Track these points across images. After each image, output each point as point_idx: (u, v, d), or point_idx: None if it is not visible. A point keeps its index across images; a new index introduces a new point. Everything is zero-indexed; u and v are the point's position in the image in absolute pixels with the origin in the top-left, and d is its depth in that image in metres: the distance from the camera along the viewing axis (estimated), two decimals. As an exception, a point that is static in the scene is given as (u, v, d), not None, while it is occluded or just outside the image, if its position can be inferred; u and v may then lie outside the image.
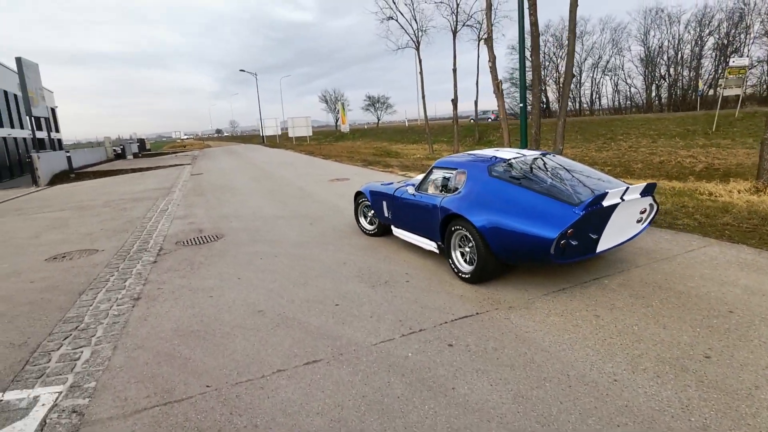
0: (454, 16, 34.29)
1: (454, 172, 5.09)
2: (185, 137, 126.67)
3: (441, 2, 35.54)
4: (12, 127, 31.87)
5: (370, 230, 6.76)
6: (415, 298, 4.51)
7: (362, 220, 6.96)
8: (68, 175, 23.20)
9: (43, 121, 41.70)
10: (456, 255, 4.79)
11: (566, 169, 4.84)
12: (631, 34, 56.67)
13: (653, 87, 53.45)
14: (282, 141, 52.80)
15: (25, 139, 34.31)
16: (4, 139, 29.72)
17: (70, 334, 4.24)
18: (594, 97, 58.49)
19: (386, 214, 6.11)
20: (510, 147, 18.19)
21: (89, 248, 7.59)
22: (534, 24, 12.22)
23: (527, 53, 12.63)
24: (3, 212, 13.16)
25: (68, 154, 23.20)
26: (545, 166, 4.90)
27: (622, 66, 56.17)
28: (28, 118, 24.53)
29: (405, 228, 5.76)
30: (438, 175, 5.35)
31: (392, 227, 6.12)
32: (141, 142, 49.74)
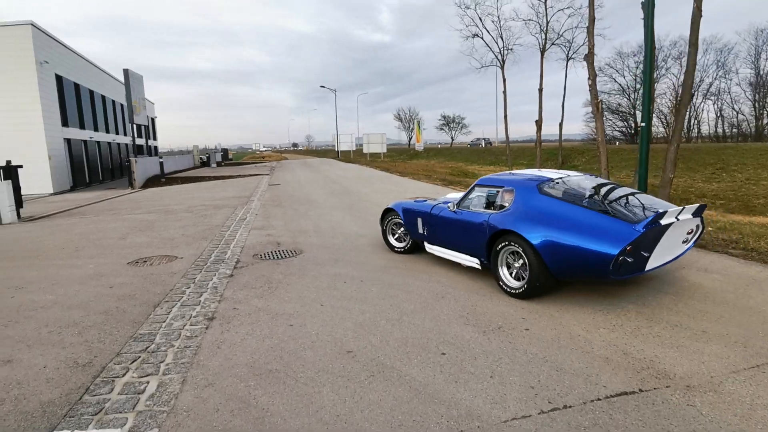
0: (542, 35, 32.78)
1: (499, 189, 5.15)
2: (263, 149, 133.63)
3: (530, 20, 34.16)
4: (116, 133, 34.85)
5: (399, 247, 6.71)
6: (543, 355, 3.51)
7: (390, 237, 6.93)
8: (159, 179, 24.61)
9: (143, 128, 45.51)
10: (503, 271, 4.79)
11: (612, 190, 5.07)
12: (739, 56, 51.31)
13: (765, 113, 47.72)
14: (355, 156, 53.47)
15: (126, 144, 37.41)
16: (109, 144, 32.47)
17: (139, 356, 3.73)
18: (692, 124, 53.38)
19: (421, 231, 6.09)
20: (607, 172, 16.55)
21: (169, 254, 7.35)
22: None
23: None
24: (100, 211, 13.81)
25: (161, 160, 24.74)
26: (592, 187, 5.01)
27: (729, 90, 50.92)
28: (130, 125, 26.58)
29: (443, 245, 5.76)
30: (480, 192, 5.39)
31: (425, 244, 6.12)
32: (224, 152, 52.71)
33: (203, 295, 5.29)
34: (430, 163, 38.69)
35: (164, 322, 4.47)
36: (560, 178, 5.07)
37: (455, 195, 6.68)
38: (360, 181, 20.18)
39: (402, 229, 6.71)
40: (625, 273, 4.07)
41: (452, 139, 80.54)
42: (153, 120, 52.50)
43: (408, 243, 6.58)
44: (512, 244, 4.57)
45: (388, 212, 6.88)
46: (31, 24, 21.38)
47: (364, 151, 49.67)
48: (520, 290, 4.54)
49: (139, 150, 44.80)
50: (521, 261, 4.57)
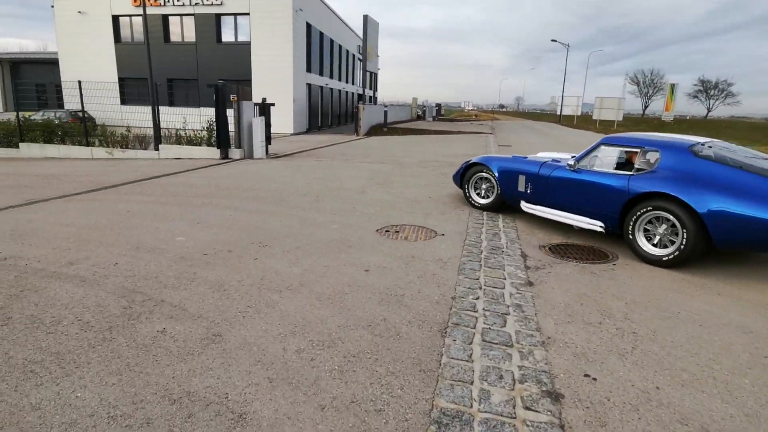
0: None
1: (635, 150, 4.88)
2: (470, 108, 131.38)
3: None
4: (345, 82, 36.84)
5: (480, 203, 6.52)
6: None
7: (472, 192, 6.66)
8: (382, 128, 24.55)
9: (367, 79, 48.01)
10: (641, 238, 4.47)
11: (759, 155, 4.77)
12: None
13: None
14: (580, 122, 46.50)
15: (351, 93, 39.53)
16: (339, 91, 34.43)
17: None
18: None
19: (522, 189, 5.79)
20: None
21: (424, 226, 5.54)
22: None
23: None
24: (333, 155, 13.43)
25: (385, 109, 24.59)
26: (740, 152, 4.73)
27: None
28: (359, 73, 27.09)
29: (553, 205, 5.40)
30: (608, 152, 5.13)
31: (523, 203, 5.82)
32: (438, 108, 52.06)
33: (508, 320, 3.13)
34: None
35: (470, 382, 2.41)
36: (705, 142, 4.73)
37: (552, 154, 6.33)
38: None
39: (486, 185, 6.51)
40: None
41: (708, 110, 64.00)
42: (376, 74, 54.78)
43: (493, 199, 6.39)
44: (659, 209, 4.28)
45: (472, 167, 6.61)
46: (292, -28, 22.65)
47: (594, 117, 42.47)
48: (667, 258, 4.25)
49: (361, 98, 47.55)
50: (665, 227, 4.31)
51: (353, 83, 39.86)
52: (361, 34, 43.15)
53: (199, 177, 8.84)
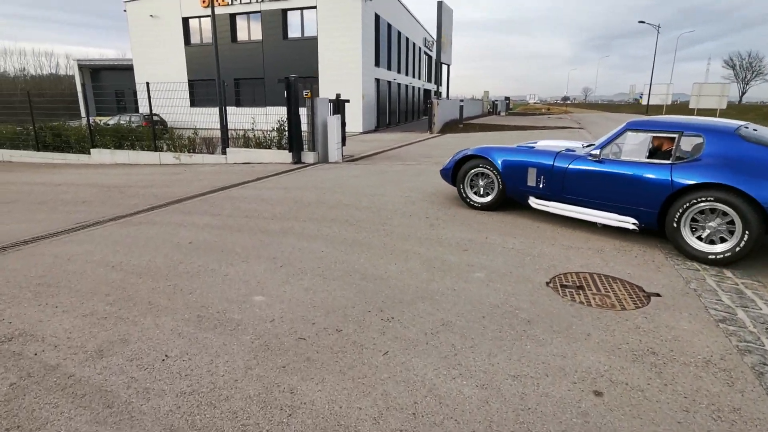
0: None
1: (671, 135, 4.36)
2: (535, 101, 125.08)
3: None
4: (412, 76, 35.04)
5: (480, 203, 5.76)
6: None
7: (469, 191, 5.88)
8: (457, 124, 22.53)
9: (432, 73, 45.93)
10: (688, 234, 4.04)
11: None
12: None
13: None
14: (671, 112, 41.57)
15: (418, 89, 37.66)
16: (406, 86, 32.69)
17: None
18: None
19: (532, 184, 5.20)
20: None
21: (616, 276, 3.65)
22: None
23: None
24: (417, 157, 11.69)
25: (461, 104, 22.48)
26: None
27: None
28: (426, 65, 25.15)
29: (571, 201, 4.87)
30: (637, 139, 4.59)
31: (533, 200, 5.26)
32: (508, 101, 48.96)
33: None
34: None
35: None
36: (744, 125, 4.32)
37: (556, 142, 5.73)
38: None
39: (484, 180, 5.72)
40: None
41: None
42: (449, 65, 52.60)
43: (494, 197, 5.62)
44: (716, 201, 3.83)
45: (466, 160, 5.81)
46: (361, -41, 21.19)
47: (691, 105, 37.56)
48: (723, 255, 3.82)
49: (427, 94, 45.47)
50: (718, 221, 3.89)
51: (419, 78, 37.99)
52: (426, 26, 41.20)
53: (273, 188, 7.42)
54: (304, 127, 10.56)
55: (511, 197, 5.55)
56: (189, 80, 24.75)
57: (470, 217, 5.42)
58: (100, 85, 31.00)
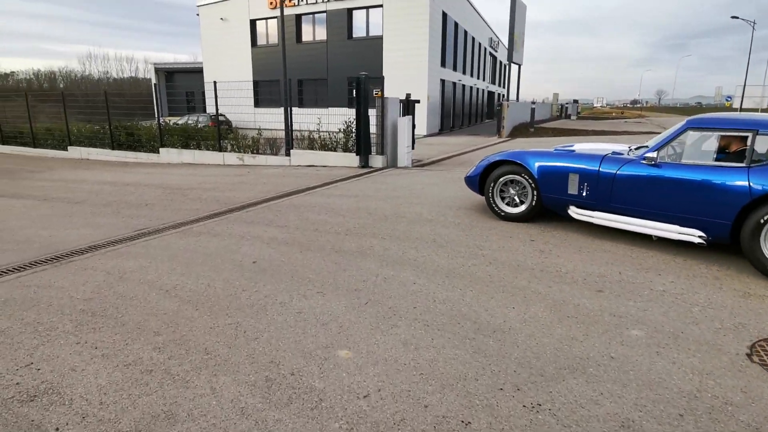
0: None
1: (743, 134, 3.78)
2: (602, 105, 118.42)
3: None
4: (477, 78, 33.70)
5: (513, 213, 5.16)
6: None
7: (499, 200, 5.25)
8: (527, 128, 21.06)
9: (496, 74, 44.19)
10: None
11: None
12: None
13: None
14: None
15: (483, 91, 36.21)
16: (471, 88, 31.44)
17: None
18: None
19: (575, 192, 4.65)
20: None
21: None
22: None
23: None
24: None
25: (533, 106, 20.98)
26: None
27: None
28: (506, 63, 23.75)
29: (621, 211, 4.35)
30: (699, 139, 4.07)
31: (575, 209, 4.68)
32: (576, 104, 46.17)
33: None
34: None
35: None
36: None
37: (596, 145, 5.27)
38: None
39: (516, 189, 5.16)
40: None
41: None
42: (519, 65, 50.70)
43: (528, 208, 5.02)
44: None
45: (496, 166, 5.23)
46: (430, -44, 20.35)
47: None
48: None
49: (491, 97, 43.77)
50: None
51: (484, 79, 36.54)
52: (492, 26, 39.60)
53: (342, 196, 6.72)
54: (372, 129, 9.85)
55: (549, 207, 4.99)
56: (254, 81, 25.02)
57: (587, 243, 4.38)
58: (172, 84, 32.29)
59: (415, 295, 3.17)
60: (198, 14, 26.34)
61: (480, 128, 27.08)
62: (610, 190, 4.41)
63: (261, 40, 25.27)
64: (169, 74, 33.32)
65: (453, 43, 25.43)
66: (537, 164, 4.94)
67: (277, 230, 4.87)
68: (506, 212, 5.21)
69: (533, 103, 21.59)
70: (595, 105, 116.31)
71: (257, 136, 11.80)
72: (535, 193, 4.96)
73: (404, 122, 9.88)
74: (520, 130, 20.85)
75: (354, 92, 9.57)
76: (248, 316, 2.88)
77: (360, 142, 9.69)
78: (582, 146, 5.30)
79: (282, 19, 11.93)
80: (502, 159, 5.21)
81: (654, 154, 4.09)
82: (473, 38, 30.86)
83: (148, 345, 2.53)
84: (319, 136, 10.79)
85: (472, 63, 31.45)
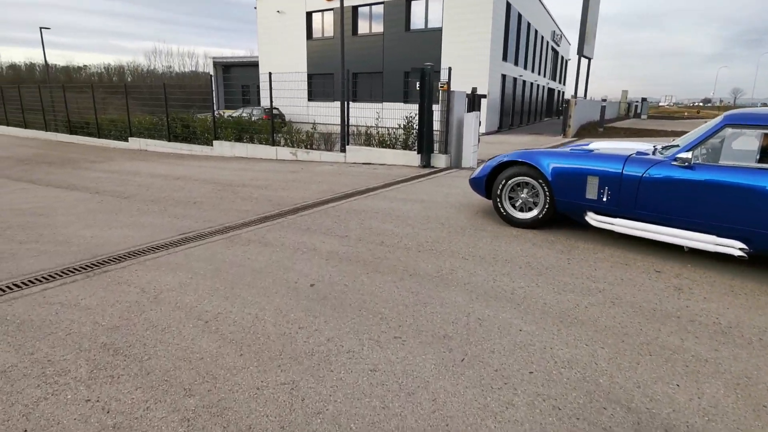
0: None
1: None
2: (669, 104, 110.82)
3: None
4: (537, 73, 31.89)
5: (524, 219, 4.69)
6: None
7: (507, 204, 4.80)
8: (596, 128, 19.39)
9: (557, 70, 41.87)
10: None
11: None
12: None
13: None
14: None
15: (543, 87, 34.32)
16: (531, 84, 29.75)
17: None
18: None
19: (594, 197, 4.19)
20: None
21: None
22: None
23: None
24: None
25: (604, 104, 19.24)
26: None
27: None
28: (551, 61, 22.10)
29: (648, 219, 3.90)
30: (739, 137, 3.59)
31: (592, 216, 4.22)
32: (644, 102, 42.95)
33: None
34: None
35: None
36: None
37: (614, 144, 4.93)
38: None
39: (526, 192, 4.70)
40: None
41: None
42: (567, 63, 48.06)
43: (540, 213, 4.55)
44: None
45: (506, 166, 4.80)
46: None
47: None
48: None
49: (551, 93, 41.52)
50: None
51: (544, 75, 34.60)
52: (555, 18, 37.39)
53: (406, 200, 5.95)
54: (435, 125, 9.01)
55: (562, 212, 4.56)
56: (308, 74, 24.77)
57: (735, 280, 3.36)
58: (229, 77, 32.78)
59: (525, 351, 2.35)
60: (255, 7, 26.40)
61: (540, 127, 25.49)
62: (635, 195, 3.99)
63: (316, 33, 24.95)
64: (226, 68, 33.88)
65: (516, 36, 24.01)
66: (551, 165, 4.50)
67: (337, 242, 4.17)
68: (517, 218, 4.75)
69: (604, 100, 19.81)
70: (661, 104, 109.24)
71: (311, 130, 11.26)
72: (548, 197, 4.48)
73: (471, 118, 8.96)
74: (588, 130, 19.24)
75: (417, 85, 8.75)
76: (307, 371, 2.16)
77: (422, 139, 8.87)
78: (600, 145, 4.90)
79: (342, 9, 11.33)
80: (511, 159, 4.78)
81: (687, 155, 3.63)
82: (536, 31, 29.15)
83: (175, 413, 1.87)
84: (378, 132, 10.06)
85: (534, 57, 29.74)
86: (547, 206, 4.51)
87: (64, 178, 8.49)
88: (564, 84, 48.79)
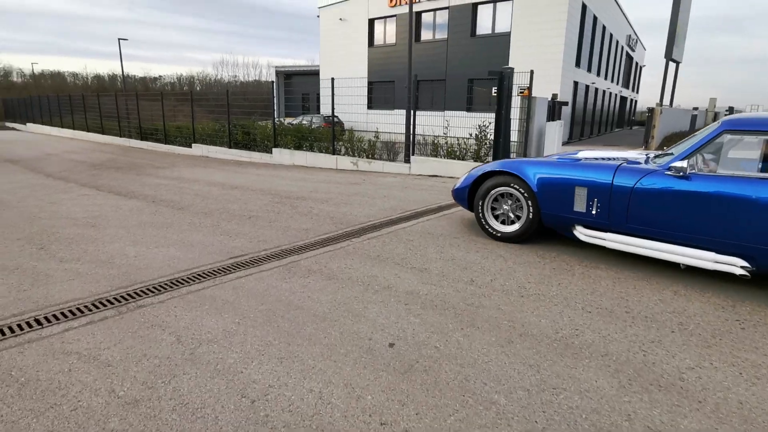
0: None
1: None
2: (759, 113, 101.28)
3: None
4: (611, 81, 29.73)
5: (505, 233, 4.42)
6: None
7: (490, 217, 4.53)
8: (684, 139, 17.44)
9: (630, 79, 39.03)
10: None
11: None
12: None
13: None
14: None
15: (615, 95, 32.01)
16: (603, 92, 27.72)
17: None
18: None
19: (581, 209, 3.92)
20: None
21: None
22: None
23: None
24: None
25: (695, 113, 17.24)
26: None
27: None
28: (624, 68, 20.08)
29: (641, 233, 3.62)
30: (738, 144, 3.33)
31: (581, 230, 3.95)
32: (731, 111, 39.20)
33: None
34: None
35: None
36: None
37: (602, 152, 4.71)
38: None
39: (510, 203, 4.43)
40: None
41: None
42: (641, 69, 44.86)
43: (523, 225, 4.28)
44: None
45: (488, 176, 4.54)
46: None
47: None
48: None
49: (623, 102, 38.79)
50: None
51: (617, 83, 32.27)
52: (631, 22, 34.91)
53: (488, 222, 5.06)
54: (512, 135, 8.05)
55: (548, 226, 4.28)
56: (369, 82, 24.42)
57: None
58: (290, 84, 33.28)
59: None
60: (318, 15, 26.51)
61: (612, 138, 23.57)
62: (627, 208, 3.74)
63: (378, 41, 24.60)
64: (287, 76, 34.46)
65: (590, 40, 22.37)
66: (536, 175, 4.25)
67: (415, 277, 3.37)
68: (499, 231, 4.46)
69: (695, 109, 17.78)
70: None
71: (374, 139, 10.62)
72: (531, 208, 4.19)
73: (554, 128, 7.95)
74: (674, 142, 17.29)
75: (494, 90, 7.85)
76: None
77: (499, 150, 7.93)
78: (588, 153, 4.66)
79: (411, 14, 10.67)
80: (494, 169, 4.52)
81: (682, 164, 3.36)
82: (611, 35, 27.18)
83: None
84: (446, 142, 9.23)
85: (607, 64, 27.73)
86: (531, 218, 4.22)
87: (125, 184, 8.35)
88: (637, 92, 45.56)
